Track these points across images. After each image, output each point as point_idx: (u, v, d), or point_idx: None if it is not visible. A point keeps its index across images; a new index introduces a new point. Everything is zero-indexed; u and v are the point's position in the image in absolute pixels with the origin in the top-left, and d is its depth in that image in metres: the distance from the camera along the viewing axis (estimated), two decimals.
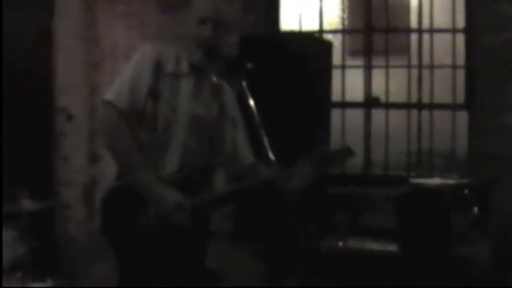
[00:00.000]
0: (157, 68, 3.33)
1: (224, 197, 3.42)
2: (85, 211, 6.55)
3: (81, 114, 6.42)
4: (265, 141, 3.09)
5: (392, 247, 5.05)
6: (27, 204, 5.35)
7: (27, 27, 6.47)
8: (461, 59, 6.06)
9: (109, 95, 3.31)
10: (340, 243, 5.24)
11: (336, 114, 6.12)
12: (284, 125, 4.95)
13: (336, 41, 6.32)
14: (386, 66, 6.26)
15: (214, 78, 3.51)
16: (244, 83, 3.23)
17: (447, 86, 6.11)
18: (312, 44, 5.90)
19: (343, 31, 6.47)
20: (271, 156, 3.07)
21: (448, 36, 6.14)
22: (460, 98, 6.05)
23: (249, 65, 3.28)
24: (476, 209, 5.06)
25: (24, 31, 6.45)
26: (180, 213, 3.21)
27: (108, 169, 3.49)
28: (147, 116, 3.31)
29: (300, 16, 6.45)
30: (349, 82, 6.34)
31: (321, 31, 6.42)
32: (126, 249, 3.28)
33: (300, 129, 5.18)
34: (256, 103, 4.37)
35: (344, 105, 6.30)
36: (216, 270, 4.54)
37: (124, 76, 3.35)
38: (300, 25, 6.46)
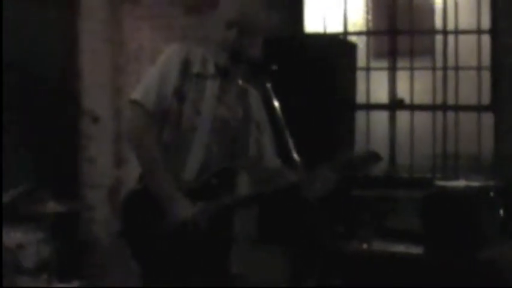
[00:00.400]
0: (185, 68, 3.33)
1: (245, 201, 3.42)
2: (110, 213, 6.59)
3: (107, 116, 6.46)
4: (290, 143, 3.08)
5: (417, 250, 5.03)
6: (53, 206, 5.35)
7: (53, 29, 6.52)
8: (486, 60, 6.04)
9: (136, 94, 3.32)
10: (365, 246, 5.23)
11: (360, 116, 6.15)
12: (309, 127, 4.96)
13: (361, 42, 6.32)
14: (411, 68, 6.23)
15: (240, 81, 3.50)
16: (269, 85, 3.22)
17: (472, 87, 6.09)
18: (336, 46, 5.92)
19: (367, 33, 6.47)
20: (296, 158, 3.06)
21: (473, 38, 6.11)
22: (486, 99, 6.02)
23: (274, 67, 3.27)
24: (502, 211, 5.04)
25: (51, 33, 6.51)
26: (193, 225, 3.20)
27: (134, 171, 3.49)
28: (171, 116, 3.31)
29: (324, 18, 6.45)
30: (373, 84, 6.32)
31: (346, 33, 6.42)
32: (145, 252, 3.28)
33: (324, 131, 5.19)
34: (280, 105, 4.38)
35: (369, 107, 6.29)
36: (239, 275, 4.54)
37: (151, 75, 3.36)
38: (324, 27, 6.46)
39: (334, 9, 6.45)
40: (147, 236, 3.26)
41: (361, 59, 6.11)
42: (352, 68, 5.87)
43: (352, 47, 5.95)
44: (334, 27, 6.47)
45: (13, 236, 5.21)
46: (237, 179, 3.45)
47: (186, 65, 3.34)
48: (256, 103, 3.54)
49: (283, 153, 3.25)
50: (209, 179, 3.31)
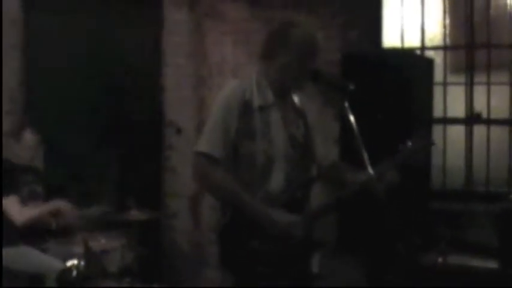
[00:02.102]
0: (245, 107, 3.40)
1: (328, 207, 3.50)
2: (191, 221, 6.75)
3: (189, 128, 6.60)
4: (366, 160, 3.12)
5: (491, 264, 5.02)
6: (136, 214, 5.53)
7: (140, 43, 6.77)
8: None
9: (202, 146, 3.40)
10: (440, 258, 5.25)
11: (437, 130, 6.15)
12: (385, 141, 5.03)
13: (438, 57, 6.34)
14: (488, 83, 6.21)
15: (292, 96, 3.60)
16: (346, 104, 3.26)
17: None
18: (413, 61, 5.97)
19: (444, 47, 6.46)
20: (371, 172, 3.11)
21: None
22: None
23: (351, 87, 3.32)
24: None
25: (137, 47, 6.76)
26: (295, 230, 3.34)
27: None
28: (244, 155, 3.40)
29: (402, 33, 6.50)
30: (450, 98, 6.33)
31: (423, 47, 6.44)
32: (245, 276, 3.38)
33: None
34: (358, 119, 4.46)
35: (445, 121, 6.30)
36: (320, 275, 4.63)
37: (213, 123, 3.43)
38: (402, 42, 6.51)
39: (412, 24, 6.49)
40: (246, 259, 3.35)
41: (438, 74, 6.14)
42: (429, 82, 5.91)
43: (429, 61, 5.99)
44: (412, 42, 6.50)
45: (99, 242, 5.44)
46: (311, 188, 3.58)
47: (245, 104, 3.41)
48: (309, 108, 3.66)
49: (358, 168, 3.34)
50: (294, 192, 3.43)
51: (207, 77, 6.75)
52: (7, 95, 6.20)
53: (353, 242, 5.39)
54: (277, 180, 3.42)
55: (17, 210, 5.20)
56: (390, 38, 6.55)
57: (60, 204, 5.36)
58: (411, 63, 5.79)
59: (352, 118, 3.22)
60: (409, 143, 3.49)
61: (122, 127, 6.63)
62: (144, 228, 5.67)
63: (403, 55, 6.22)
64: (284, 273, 3.38)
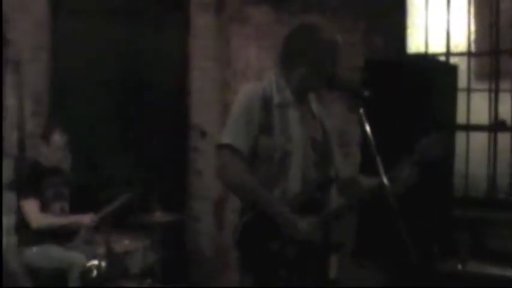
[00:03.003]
0: (265, 103, 3.42)
1: (343, 210, 3.48)
2: (215, 224, 6.79)
3: (214, 131, 6.59)
4: (381, 170, 3.05)
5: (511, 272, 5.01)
6: (160, 216, 5.58)
7: (167, 47, 6.84)
8: None
9: (226, 138, 3.40)
10: (460, 266, 5.24)
11: (460, 137, 6.12)
12: (409, 146, 5.03)
13: (462, 63, 6.31)
14: None
15: (310, 100, 3.62)
16: (361, 110, 3.20)
17: None
18: (437, 67, 5.95)
19: (469, 54, 6.42)
20: (386, 183, 3.02)
21: None
22: None
23: (367, 93, 3.26)
24: None
25: (164, 51, 6.82)
26: (314, 235, 3.34)
27: None
28: (262, 151, 3.40)
29: (427, 38, 6.49)
30: (474, 105, 6.30)
31: (448, 54, 6.43)
32: (264, 278, 3.36)
33: None
34: (381, 124, 4.44)
35: (469, 128, 6.26)
36: (337, 279, 4.64)
37: (236, 117, 3.43)
38: (426, 47, 6.49)
39: (437, 29, 6.47)
40: (266, 260, 3.35)
41: (462, 80, 6.11)
42: (453, 89, 5.89)
43: (454, 68, 5.97)
44: (437, 47, 6.49)
45: (121, 243, 5.50)
46: (330, 190, 3.58)
47: (265, 100, 3.43)
48: (325, 115, 3.66)
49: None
50: (312, 193, 3.43)
51: (231, 80, 6.81)
52: (33, 97, 6.27)
53: (372, 247, 5.39)
54: (294, 178, 3.42)
55: (34, 215, 5.29)
56: (414, 44, 6.54)
57: (82, 219, 5.43)
58: (435, 69, 5.76)
59: (367, 125, 3.15)
60: (429, 137, 3.40)
61: (148, 129, 6.70)
62: (167, 230, 5.73)
63: (427, 61, 6.19)
64: (302, 276, 3.39)
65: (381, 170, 3.05)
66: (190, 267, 6.75)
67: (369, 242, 5.43)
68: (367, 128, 3.16)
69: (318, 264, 3.49)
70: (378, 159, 3.07)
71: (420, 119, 5.29)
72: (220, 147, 3.42)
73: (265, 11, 6.70)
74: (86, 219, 5.41)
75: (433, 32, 6.50)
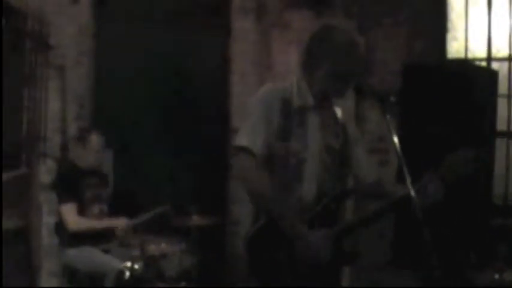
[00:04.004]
0: (284, 105, 3.34)
1: (361, 222, 3.38)
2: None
3: None
4: (408, 180, 2.94)
5: None
6: (197, 219, 5.61)
7: (208, 51, 6.88)
8: None
9: (243, 140, 3.32)
10: (497, 276, 5.15)
11: (500, 144, 6.06)
12: (448, 152, 4.99)
13: (503, 68, 6.25)
14: None
15: (333, 104, 3.53)
16: (388, 116, 3.10)
17: None
18: (477, 72, 5.89)
19: (510, 59, 6.34)
20: (413, 194, 2.93)
21: None
22: None
23: (392, 98, 3.17)
24: None
25: (206, 55, 6.87)
26: (323, 252, 3.26)
27: None
28: (279, 154, 3.33)
29: (467, 43, 6.43)
30: None
31: (489, 59, 6.36)
32: (270, 284, 3.33)
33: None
34: (419, 130, 4.38)
35: (509, 134, 6.21)
36: None
37: (254, 119, 3.35)
38: (466, 53, 6.45)
39: (477, 35, 6.42)
40: (274, 269, 3.31)
41: (502, 86, 6.04)
42: (494, 94, 5.83)
43: (494, 73, 5.91)
44: (477, 53, 6.43)
45: (158, 246, 5.54)
46: (346, 201, 3.50)
47: (285, 102, 3.35)
48: (349, 120, 3.58)
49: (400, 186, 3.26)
50: (329, 203, 3.35)
51: None
52: (76, 101, 6.38)
53: (408, 257, 5.35)
54: (308, 187, 3.35)
55: (72, 219, 5.36)
56: (455, 49, 6.48)
57: (118, 223, 5.48)
58: (475, 75, 5.71)
59: (394, 133, 3.06)
60: (456, 154, 3.27)
61: (188, 132, 6.75)
62: (205, 233, 5.75)
63: (467, 66, 6.14)
64: (310, 286, 3.33)
65: (408, 180, 2.95)
66: (229, 271, 6.77)
67: (403, 251, 5.40)
68: (395, 137, 3.06)
69: (328, 274, 3.40)
70: (405, 169, 2.96)
71: (459, 125, 5.26)
72: (237, 149, 3.35)
73: (305, 16, 6.68)
74: (122, 223, 5.46)
75: (473, 37, 6.44)
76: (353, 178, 3.57)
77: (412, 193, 2.93)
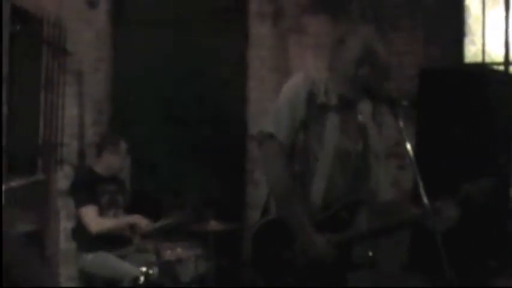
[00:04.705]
0: (310, 99, 3.34)
1: (367, 235, 3.35)
2: None
3: None
4: (421, 186, 2.89)
5: None
6: (214, 225, 5.60)
7: (225, 57, 6.89)
8: None
9: (270, 127, 3.34)
10: None
11: None
12: (466, 156, 4.97)
13: None
14: None
15: (359, 114, 3.48)
16: (401, 122, 3.06)
17: None
18: (494, 77, 5.86)
19: None
20: (426, 201, 2.90)
21: None
22: None
23: (405, 103, 3.15)
24: None
25: (223, 61, 6.88)
26: (327, 254, 3.25)
27: None
28: (299, 146, 3.32)
29: (484, 47, 6.39)
30: None
31: (506, 63, 6.32)
32: (273, 280, 3.31)
33: (482, 162, 5.14)
34: (436, 135, 4.33)
35: None
36: None
37: (282, 108, 3.37)
38: (484, 57, 6.40)
39: (495, 39, 6.38)
40: (276, 265, 3.30)
41: None
42: (511, 99, 5.79)
43: (511, 78, 5.88)
44: (495, 57, 6.39)
45: (174, 251, 5.55)
46: (358, 211, 3.41)
47: (311, 95, 3.34)
48: (375, 134, 3.50)
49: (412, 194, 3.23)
50: (340, 211, 3.33)
51: None
52: (94, 107, 6.41)
53: (424, 262, 5.32)
54: (317, 186, 3.34)
55: (93, 220, 5.36)
56: (472, 53, 6.44)
57: (136, 218, 5.50)
58: (492, 79, 5.68)
59: (407, 140, 3.03)
60: (475, 184, 3.21)
61: (206, 138, 6.76)
62: (222, 239, 5.74)
63: (484, 71, 6.11)
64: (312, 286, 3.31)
65: (425, 198, 2.90)
66: (246, 276, 6.75)
67: (419, 257, 5.37)
68: (408, 145, 3.03)
69: (333, 277, 3.34)
70: (421, 185, 2.90)
71: (477, 130, 5.22)
72: (263, 136, 3.37)
73: (323, 21, 6.67)
74: (143, 222, 5.48)
75: (491, 41, 6.40)
76: (369, 193, 3.49)
77: (428, 217, 2.92)
